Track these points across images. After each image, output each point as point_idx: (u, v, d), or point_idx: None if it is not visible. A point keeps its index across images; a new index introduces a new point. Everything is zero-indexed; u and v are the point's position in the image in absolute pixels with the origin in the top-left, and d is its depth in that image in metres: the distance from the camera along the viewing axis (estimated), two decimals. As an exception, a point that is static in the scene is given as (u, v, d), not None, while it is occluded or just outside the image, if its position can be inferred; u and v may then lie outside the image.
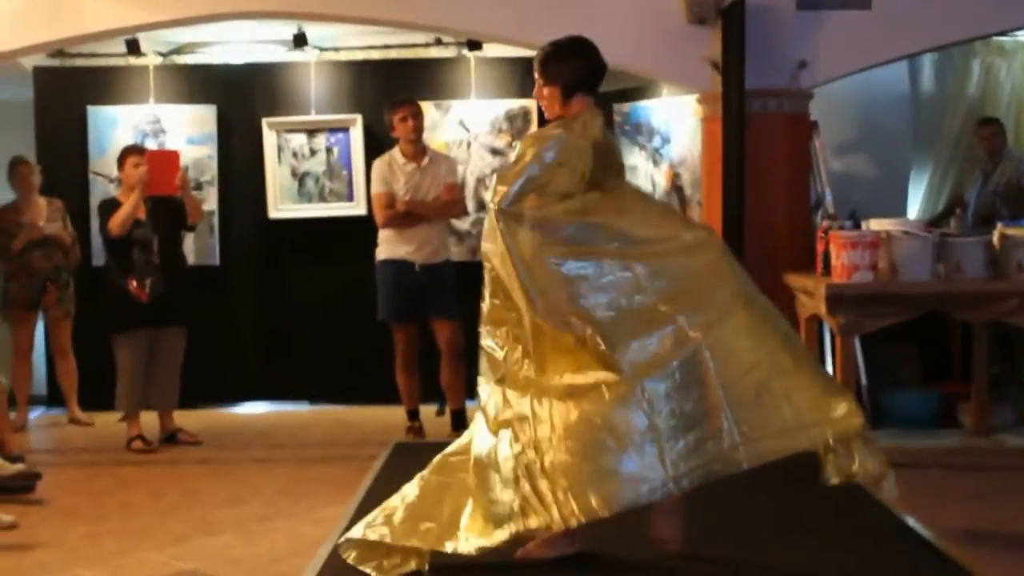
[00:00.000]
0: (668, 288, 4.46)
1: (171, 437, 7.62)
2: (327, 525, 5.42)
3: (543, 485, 4.32)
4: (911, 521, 5.29)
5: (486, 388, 4.53)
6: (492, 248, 4.47)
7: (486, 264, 4.53)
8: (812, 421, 4.37)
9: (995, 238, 6.57)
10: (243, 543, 5.43)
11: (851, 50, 7.59)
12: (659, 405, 4.33)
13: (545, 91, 4.66)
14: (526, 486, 4.35)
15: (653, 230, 4.61)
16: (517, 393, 4.46)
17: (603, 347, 4.32)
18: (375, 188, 7.56)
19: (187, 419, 7.85)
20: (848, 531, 5.23)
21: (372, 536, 4.57)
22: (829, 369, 7.31)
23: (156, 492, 6.42)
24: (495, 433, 4.46)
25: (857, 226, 6.72)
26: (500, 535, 4.35)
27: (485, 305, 4.56)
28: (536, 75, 4.69)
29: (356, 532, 4.65)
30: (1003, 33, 8.40)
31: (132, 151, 7.68)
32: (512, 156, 4.70)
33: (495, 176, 4.71)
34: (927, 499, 5.77)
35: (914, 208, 8.97)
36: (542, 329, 4.41)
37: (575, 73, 4.63)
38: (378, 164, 7.61)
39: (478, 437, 4.54)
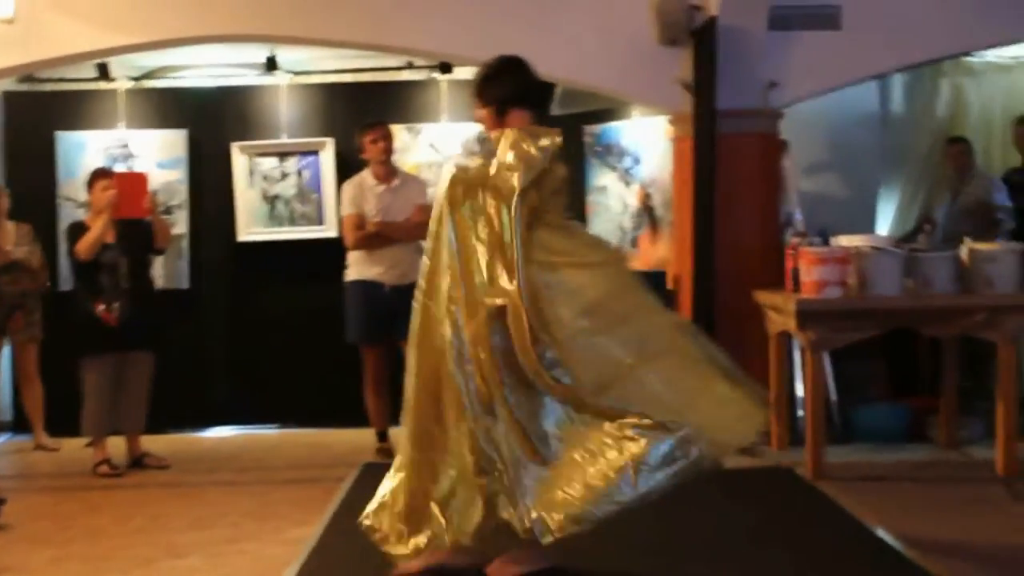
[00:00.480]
0: (597, 298, 4.56)
1: (138, 461, 7.54)
2: (295, 547, 5.39)
3: (519, 498, 4.39)
4: (882, 533, 5.29)
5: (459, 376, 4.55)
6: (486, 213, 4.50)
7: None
8: (756, 405, 4.55)
9: (963, 253, 6.58)
10: (210, 566, 5.36)
11: (821, 70, 7.62)
12: (624, 420, 4.39)
13: (481, 112, 4.77)
14: (505, 502, 4.45)
15: (572, 244, 4.71)
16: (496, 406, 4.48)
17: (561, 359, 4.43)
18: (345, 210, 7.55)
19: (155, 443, 7.79)
20: (818, 543, 5.24)
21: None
22: (800, 385, 7.33)
23: (123, 516, 6.33)
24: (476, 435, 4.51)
25: (826, 243, 6.73)
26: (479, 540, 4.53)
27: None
28: (474, 99, 4.80)
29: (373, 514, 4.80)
30: (970, 53, 8.44)
31: (101, 175, 7.63)
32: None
33: (515, 159, 4.55)
34: (898, 511, 5.77)
35: (884, 227, 8.99)
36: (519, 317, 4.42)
37: (504, 89, 4.72)
38: (348, 186, 7.60)
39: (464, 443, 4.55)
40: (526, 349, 4.40)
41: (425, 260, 4.66)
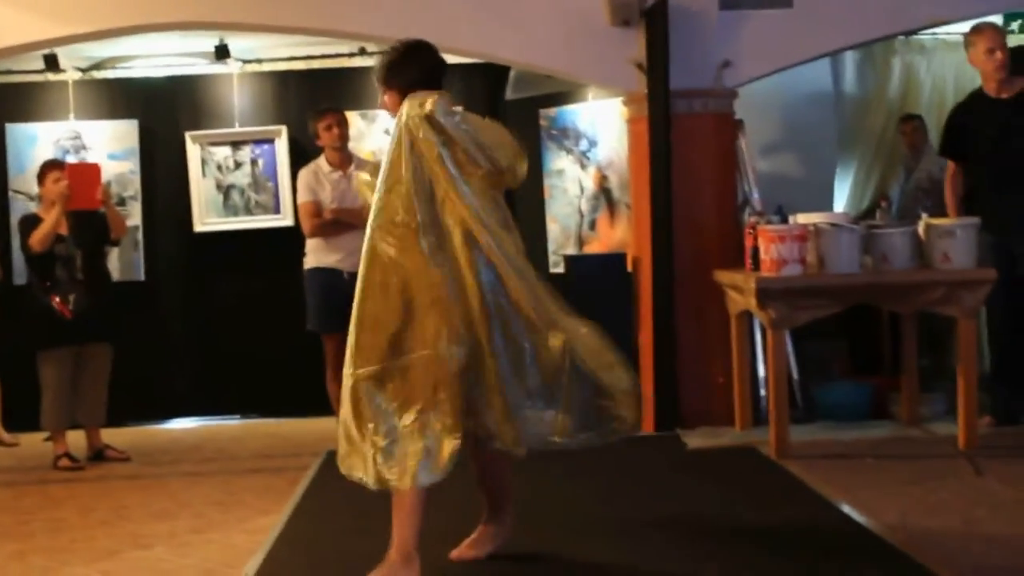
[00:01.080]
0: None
1: (99, 454, 7.47)
2: (260, 535, 5.36)
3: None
4: (847, 509, 5.32)
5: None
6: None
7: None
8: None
9: (920, 229, 6.62)
10: (175, 555, 5.31)
11: (773, 49, 7.63)
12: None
13: (385, 98, 4.67)
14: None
15: None
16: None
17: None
18: (301, 197, 7.50)
19: (115, 436, 7.72)
20: (784, 521, 5.26)
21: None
22: (762, 365, 7.36)
23: (84, 508, 6.28)
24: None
25: (784, 221, 6.75)
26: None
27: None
28: (377, 85, 4.72)
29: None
30: (921, 30, 8.49)
31: (52, 166, 7.56)
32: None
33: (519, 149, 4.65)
34: (862, 487, 5.79)
35: (840, 205, 9.05)
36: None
37: (409, 74, 4.60)
38: (304, 173, 7.55)
39: None
40: None
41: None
